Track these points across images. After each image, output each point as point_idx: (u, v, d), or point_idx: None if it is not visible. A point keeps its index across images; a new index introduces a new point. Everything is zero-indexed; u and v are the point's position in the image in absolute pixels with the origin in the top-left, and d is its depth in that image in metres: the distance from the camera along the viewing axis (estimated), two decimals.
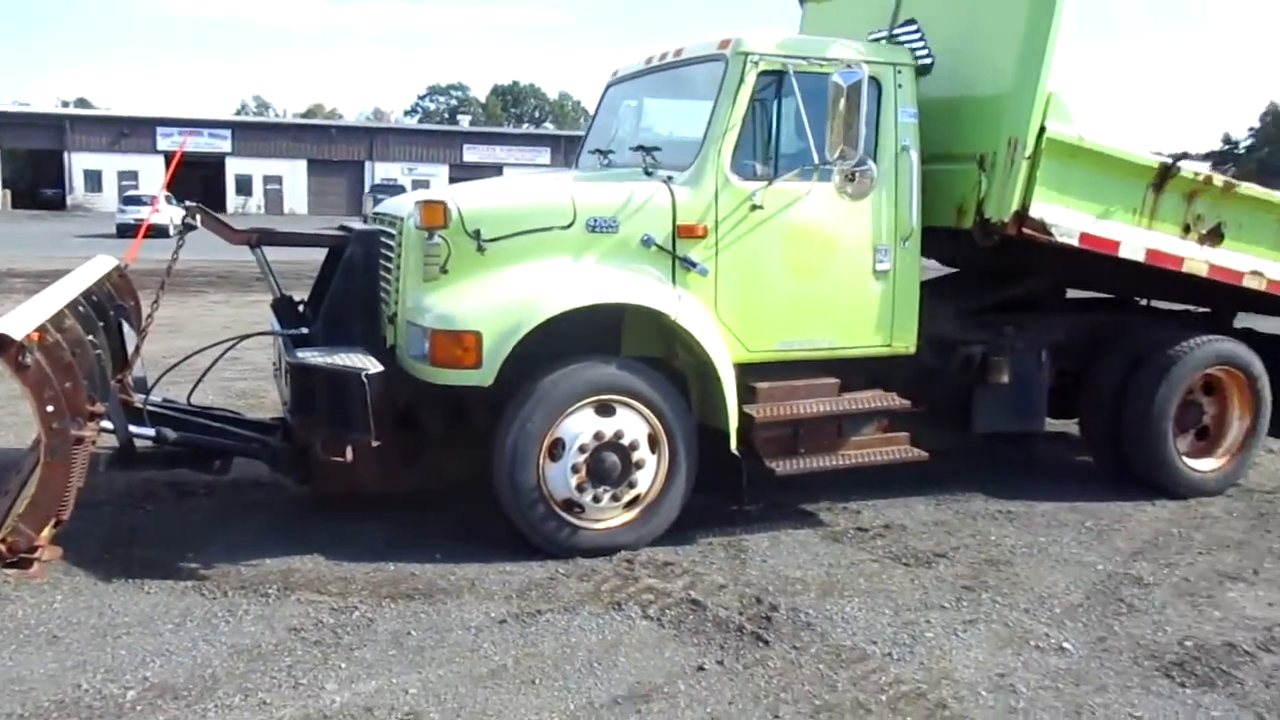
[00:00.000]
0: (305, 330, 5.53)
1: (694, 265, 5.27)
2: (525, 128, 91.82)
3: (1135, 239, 6.08)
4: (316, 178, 63.16)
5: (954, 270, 7.39)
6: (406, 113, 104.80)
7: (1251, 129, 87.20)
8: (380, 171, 61.72)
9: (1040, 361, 6.33)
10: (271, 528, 5.49)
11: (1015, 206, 5.62)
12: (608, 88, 6.87)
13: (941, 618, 4.55)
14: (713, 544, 5.38)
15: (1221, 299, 7.00)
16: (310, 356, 5.06)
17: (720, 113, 5.33)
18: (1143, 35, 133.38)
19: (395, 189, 38.48)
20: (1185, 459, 6.49)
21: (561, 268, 5.13)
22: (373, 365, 4.86)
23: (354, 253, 5.54)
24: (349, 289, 5.51)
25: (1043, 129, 5.60)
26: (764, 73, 5.36)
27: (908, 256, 5.70)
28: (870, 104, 5.44)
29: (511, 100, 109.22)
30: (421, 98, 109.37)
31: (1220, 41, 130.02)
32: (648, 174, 5.44)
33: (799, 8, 7.84)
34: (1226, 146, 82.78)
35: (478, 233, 5.07)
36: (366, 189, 53.37)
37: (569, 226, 5.17)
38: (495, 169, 58.25)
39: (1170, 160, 6.09)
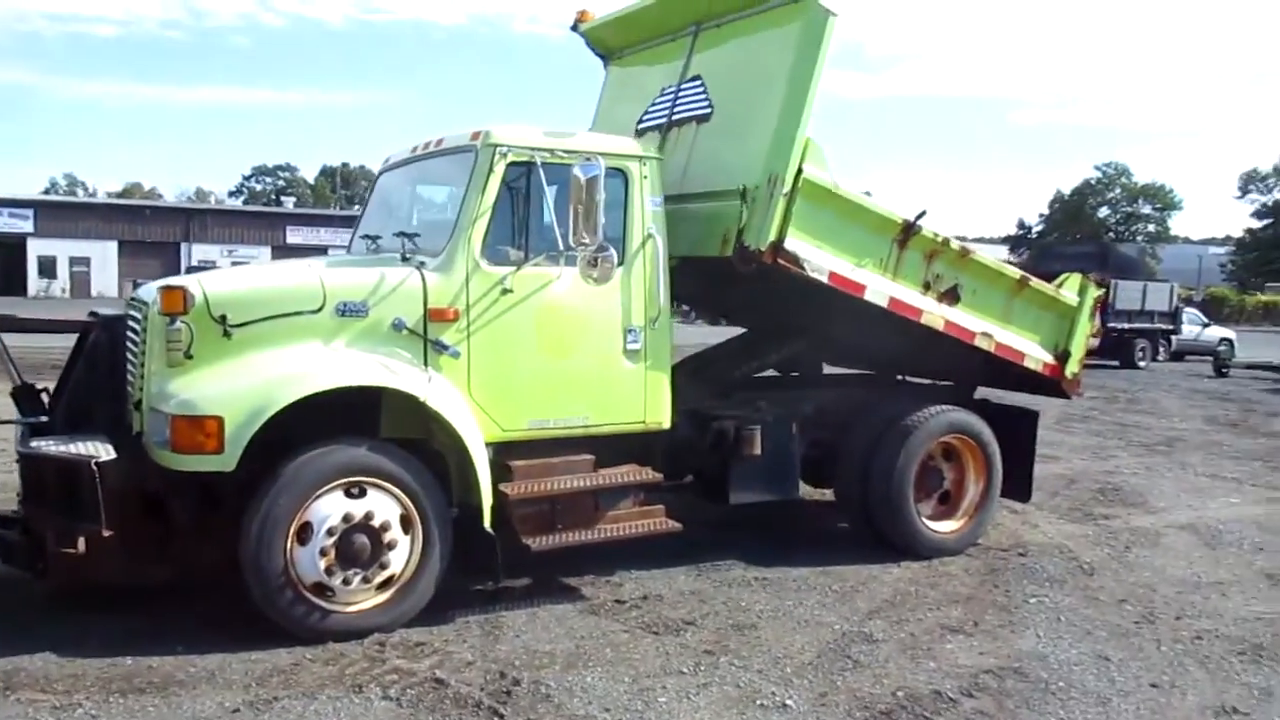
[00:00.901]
0: (46, 418, 5.37)
1: (446, 348, 5.41)
2: (356, 209, 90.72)
3: (880, 286, 6.50)
4: (129, 260, 60.42)
5: (712, 345, 7.80)
6: (231, 193, 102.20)
7: (1042, 215, 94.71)
8: (198, 253, 59.68)
9: (791, 433, 6.73)
10: (2, 626, 5.23)
11: (772, 237, 5.95)
12: (379, 174, 7.03)
13: (678, 683, 4.74)
14: (469, 622, 5.44)
15: (969, 373, 7.58)
16: (43, 445, 4.92)
17: (470, 201, 5.55)
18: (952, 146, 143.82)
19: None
20: (927, 521, 6.98)
21: (310, 352, 5.18)
22: (105, 453, 4.77)
23: (99, 339, 5.46)
24: (92, 375, 5.41)
25: (800, 171, 6.01)
26: (513, 163, 5.62)
27: (658, 336, 6.01)
28: (616, 194, 5.83)
29: (341, 181, 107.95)
30: (247, 178, 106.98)
31: (1015, 143, 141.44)
32: (405, 259, 5.59)
33: (603, 70, 8.23)
34: (1021, 231, 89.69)
35: (224, 317, 5.08)
36: (183, 270, 51.43)
37: (319, 311, 5.25)
38: (320, 250, 57.19)
39: (912, 219, 6.58)
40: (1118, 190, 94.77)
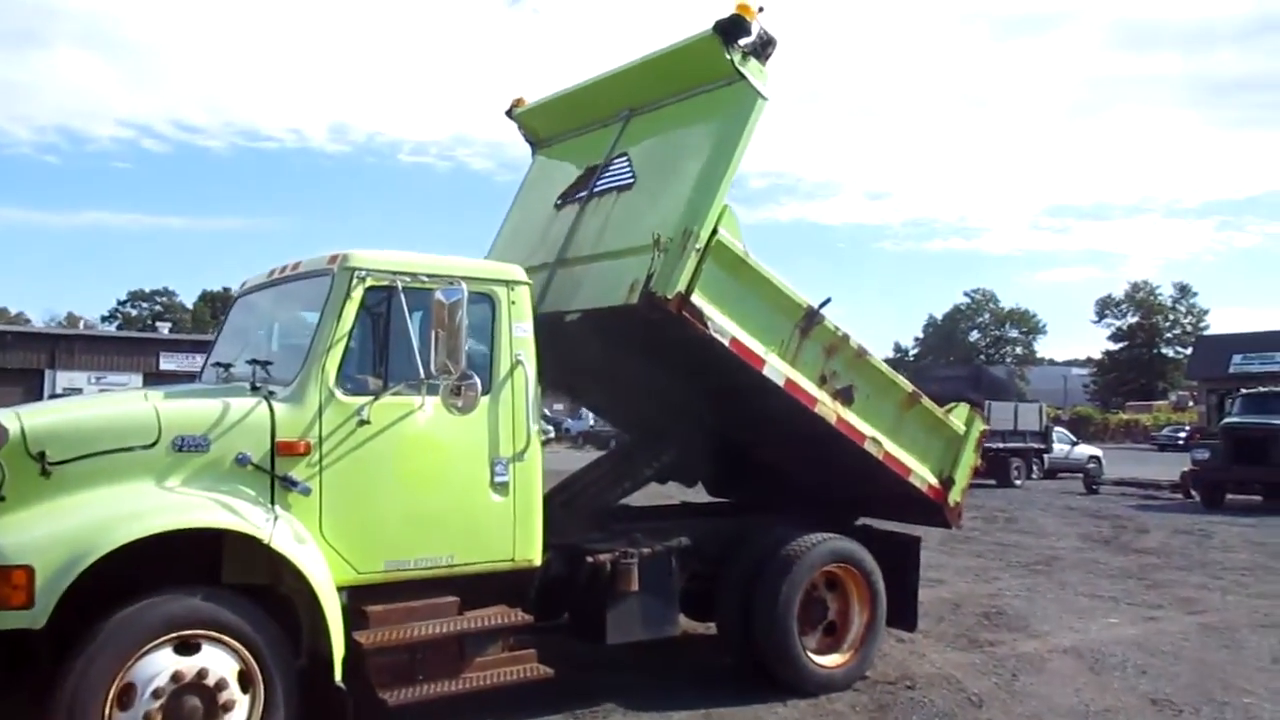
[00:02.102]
0: None
1: (295, 484, 5.00)
2: None
3: (779, 366, 6.36)
4: None
5: (582, 468, 7.55)
6: (104, 318, 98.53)
7: (916, 338, 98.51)
8: (64, 381, 56.82)
9: (670, 567, 6.44)
10: None
11: (680, 288, 5.79)
12: (235, 299, 6.68)
13: None
14: None
15: (852, 488, 7.42)
16: None
17: (325, 327, 5.25)
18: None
19: None
20: (812, 655, 6.71)
21: (140, 491, 4.73)
22: None
23: None
24: None
25: (715, 232, 5.93)
26: (372, 288, 5.35)
27: (527, 468, 5.71)
28: (482, 319, 5.61)
29: (222, 307, 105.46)
30: (122, 303, 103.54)
31: (886, 270, 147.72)
32: (254, 388, 5.22)
33: (531, 158, 8.15)
34: (898, 355, 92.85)
35: (42, 454, 4.61)
36: (45, 398, 48.85)
37: (153, 445, 4.82)
38: (194, 377, 55.16)
39: (816, 306, 6.52)
40: (986, 315, 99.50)
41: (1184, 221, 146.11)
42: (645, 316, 5.88)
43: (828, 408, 6.61)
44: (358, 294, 5.31)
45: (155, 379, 56.15)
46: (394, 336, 5.37)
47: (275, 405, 5.07)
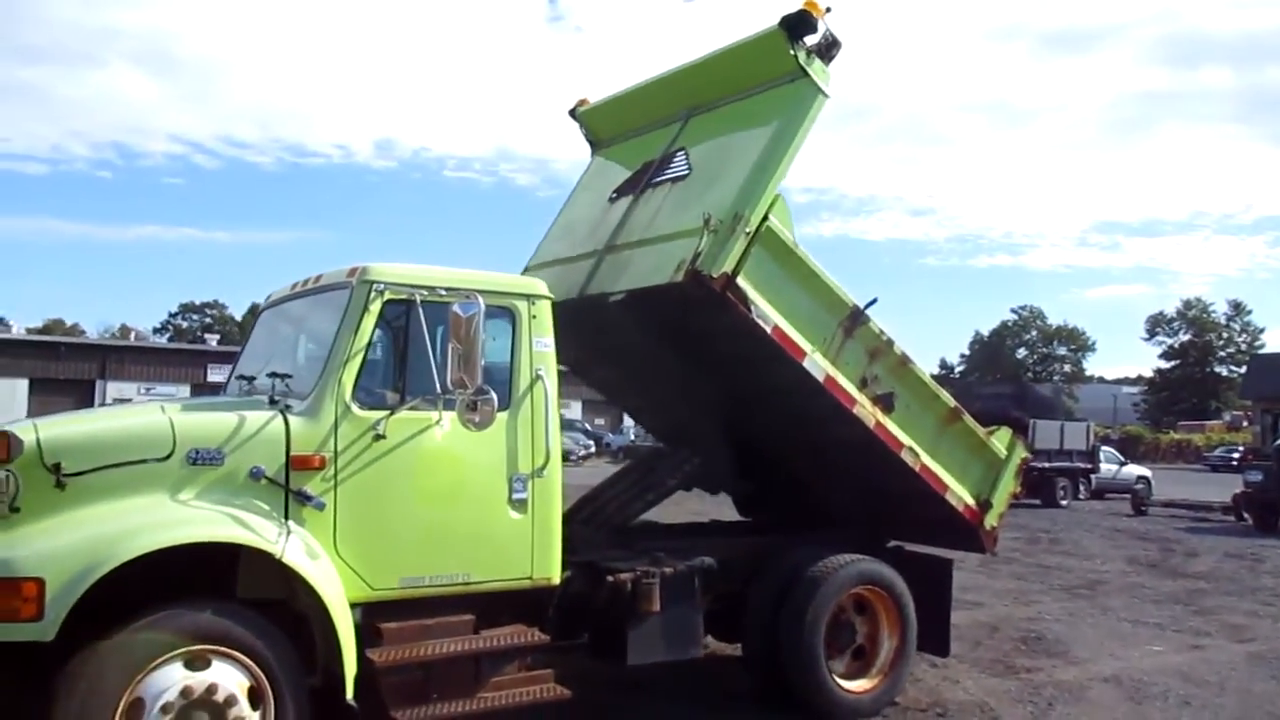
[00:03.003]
0: None
1: (309, 499, 4.95)
2: None
3: (820, 361, 6.26)
4: (40, 398, 58.15)
5: (603, 482, 7.46)
6: (156, 330, 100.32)
7: (963, 355, 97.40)
8: (114, 391, 57.88)
9: (694, 587, 6.30)
10: None
11: (727, 268, 5.75)
12: (260, 312, 6.68)
13: None
14: None
15: (884, 498, 7.20)
16: None
17: (342, 340, 5.20)
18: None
19: None
20: (840, 680, 6.55)
21: (153, 505, 4.69)
22: None
23: None
24: None
25: (766, 218, 5.90)
26: (391, 301, 5.31)
27: (546, 485, 5.61)
28: (502, 333, 5.54)
29: None
30: (174, 315, 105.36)
31: (930, 285, 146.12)
32: (273, 401, 5.19)
33: (589, 157, 8.19)
34: (943, 371, 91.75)
35: (57, 466, 4.59)
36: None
37: (167, 458, 4.79)
38: None
39: (862, 305, 6.42)
40: (1034, 332, 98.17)
41: (1236, 238, 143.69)
42: (690, 296, 5.84)
43: (866, 411, 6.46)
44: (376, 307, 5.26)
45: (203, 390, 56.98)
46: (412, 350, 5.32)
47: (291, 418, 5.03)
